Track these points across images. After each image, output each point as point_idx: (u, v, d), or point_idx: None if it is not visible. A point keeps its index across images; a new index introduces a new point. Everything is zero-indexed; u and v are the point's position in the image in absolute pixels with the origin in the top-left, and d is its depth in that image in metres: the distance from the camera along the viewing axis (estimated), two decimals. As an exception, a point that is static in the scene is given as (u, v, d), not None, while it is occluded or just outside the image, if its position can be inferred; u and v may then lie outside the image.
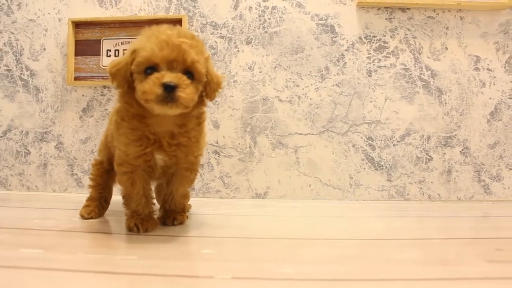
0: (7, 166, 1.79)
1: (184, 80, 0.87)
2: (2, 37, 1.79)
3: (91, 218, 1.18)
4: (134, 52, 0.92)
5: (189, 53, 0.88)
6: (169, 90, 0.85)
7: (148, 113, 0.94)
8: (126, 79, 0.94)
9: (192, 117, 0.99)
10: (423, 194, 1.64)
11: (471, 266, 0.78)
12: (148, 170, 1.03)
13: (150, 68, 0.88)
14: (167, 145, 0.98)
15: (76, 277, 0.68)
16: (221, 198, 1.68)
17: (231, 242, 0.96)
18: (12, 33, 1.79)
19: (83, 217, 1.18)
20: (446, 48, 1.64)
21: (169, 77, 0.86)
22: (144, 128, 0.96)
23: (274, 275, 0.70)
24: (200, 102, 0.99)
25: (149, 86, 0.86)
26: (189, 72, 0.90)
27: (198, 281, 0.67)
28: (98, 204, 1.22)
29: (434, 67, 1.64)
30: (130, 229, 1.01)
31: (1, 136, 1.79)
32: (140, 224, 1.01)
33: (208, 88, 0.97)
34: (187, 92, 0.87)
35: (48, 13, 1.76)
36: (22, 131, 1.78)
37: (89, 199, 1.23)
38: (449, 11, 1.64)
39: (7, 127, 1.79)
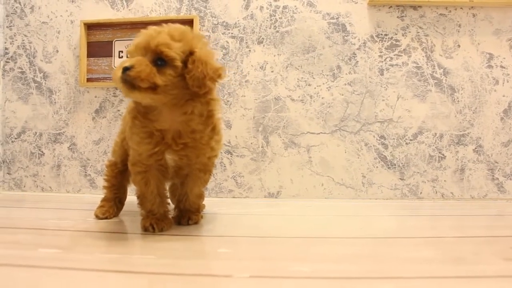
0: (22, 168, 1.81)
1: (142, 61, 0.88)
2: (16, 40, 1.81)
3: (106, 218, 1.19)
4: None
5: (157, 38, 0.90)
6: (124, 71, 0.87)
7: (151, 109, 0.96)
8: None
9: (193, 115, 0.97)
10: (436, 192, 1.63)
11: (488, 264, 0.77)
12: (161, 170, 1.04)
13: None
14: (174, 144, 0.98)
15: (95, 276, 0.69)
16: (234, 197, 1.68)
17: (246, 241, 0.96)
18: (25, 35, 1.80)
19: (98, 217, 1.18)
20: (459, 46, 1.63)
21: (129, 61, 0.89)
22: (150, 124, 0.97)
23: (291, 273, 0.70)
24: (197, 96, 0.95)
25: (114, 72, 0.90)
26: (161, 58, 0.90)
27: (217, 280, 0.67)
28: (112, 205, 1.22)
29: (447, 65, 1.63)
30: (145, 229, 1.01)
31: (16, 138, 1.81)
32: (156, 223, 1.01)
33: (188, 76, 0.91)
34: (137, 70, 0.87)
35: (61, 16, 1.78)
36: (36, 132, 1.80)
37: (104, 199, 1.24)
38: (461, 8, 1.63)
39: (21, 129, 1.81)
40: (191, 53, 0.93)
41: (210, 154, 1.05)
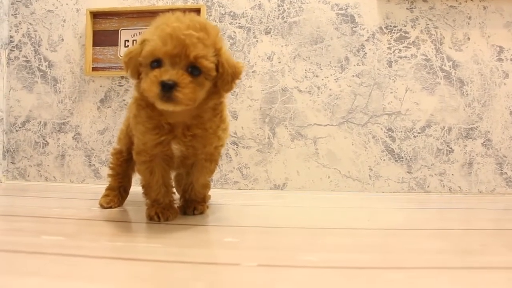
0: (26, 157, 1.80)
1: (184, 78, 0.85)
2: (21, 28, 1.80)
3: (111, 207, 1.18)
4: (143, 42, 0.91)
5: (193, 48, 0.85)
6: (166, 89, 0.83)
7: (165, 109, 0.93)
8: (137, 69, 0.93)
9: (207, 108, 0.97)
10: (444, 186, 1.62)
11: (496, 255, 0.76)
12: (166, 160, 1.03)
13: (155, 62, 0.87)
14: (182, 136, 0.96)
15: (99, 263, 0.68)
16: (239, 189, 1.67)
17: (253, 231, 0.95)
18: (30, 24, 1.79)
19: (102, 206, 1.18)
20: (469, 39, 1.61)
21: (168, 74, 0.84)
22: (159, 117, 0.95)
23: (300, 262, 0.69)
24: (215, 93, 0.96)
25: (148, 85, 0.86)
26: (195, 67, 0.87)
27: (224, 268, 0.66)
28: (117, 194, 1.21)
29: (456, 57, 1.61)
30: (150, 218, 1.00)
31: (20, 127, 1.80)
32: (161, 213, 1.00)
33: (220, 81, 0.93)
34: (185, 91, 0.84)
35: (66, 4, 1.76)
36: (40, 122, 1.79)
37: (109, 188, 1.23)
38: (471, 0, 1.61)
39: (26, 118, 1.80)
40: (218, 54, 0.91)
41: (217, 144, 1.03)
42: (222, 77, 0.92)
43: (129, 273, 0.64)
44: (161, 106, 0.88)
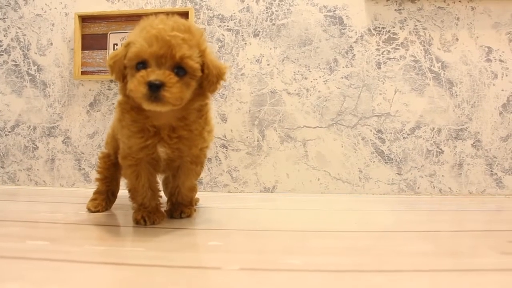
0: (15, 161, 1.79)
1: (171, 78, 0.85)
2: (10, 33, 1.79)
3: (98, 211, 1.17)
4: (127, 45, 0.91)
5: (179, 48, 0.86)
6: (154, 89, 0.84)
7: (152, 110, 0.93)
8: (122, 72, 0.93)
9: (192, 110, 0.97)
10: (434, 187, 1.62)
11: (484, 257, 0.76)
12: (152, 163, 1.03)
13: (141, 64, 0.87)
14: (167, 138, 0.96)
15: (82, 267, 0.67)
16: (229, 192, 1.67)
17: (239, 234, 0.95)
18: (19, 28, 1.78)
19: (90, 210, 1.17)
20: (457, 39, 1.62)
21: (154, 75, 0.84)
22: (144, 120, 0.95)
23: (282, 266, 0.69)
24: (200, 94, 0.96)
25: (135, 85, 0.86)
26: (181, 68, 0.87)
27: (205, 272, 0.66)
28: (105, 198, 1.21)
29: (445, 58, 1.62)
30: (137, 222, 1.00)
31: (9, 131, 1.79)
32: (147, 216, 1.00)
33: (205, 82, 0.93)
34: (173, 91, 0.85)
35: (55, 8, 1.76)
36: (29, 126, 1.78)
37: (96, 192, 1.23)
38: (459, 1, 1.61)
39: (15, 122, 1.79)
40: (202, 55, 0.92)
41: (202, 145, 1.03)
42: (208, 78, 0.93)
43: (110, 277, 0.64)
44: (148, 106, 0.87)
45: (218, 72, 0.95)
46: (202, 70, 0.92)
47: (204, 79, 0.93)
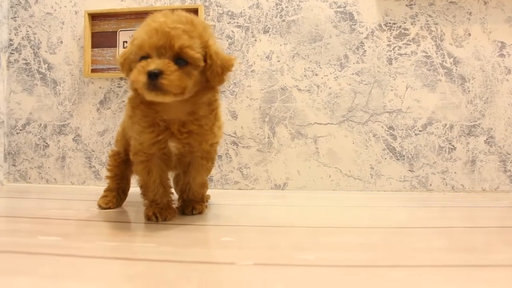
0: (27, 159, 1.80)
1: (170, 66, 0.86)
2: (20, 31, 1.79)
3: (109, 208, 1.17)
4: (133, 41, 0.93)
5: (178, 39, 0.86)
6: (153, 78, 0.85)
7: (155, 101, 0.93)
8: (131, 67, 0.94)
9: (202, 104, 0.98)
10: (446, 184, 1.60)
11: (499, 253, 0.75)
12: (163, 159, 1.03)
13: (144, 56, 0.88)
14: (178, 133, 0.97)
15: (93, 262, 0.67)
16: (239, 189, 1.66)
17: (251, 230, 0.94)
18: (29, 27, 1.79)
19: (101, 207, 1.17)
20: (469, 34, 1.60)
21: (154, 64, 0.85)
22: (154, 115, 0.96)
23: (296, 261, 0.68)
24: (208, 87, 0.96)
25: (135, 75, 0.87)
26: (181, 58, 0.88)
27: (218, 267, 0.65)
28: (116, 195, 1.21)
29: (457, 54, 1.60)
30: (148, 218, 1.00)
31: (21, 130, 1.80)
32: (159, 213, 1.00)
33: (209, 72, 0.93)
34: (171, 78, 0.85)
35: (65, 6, 1.76)
36: (40, 124, 1.78)
37: (107, 189, 1.23)
38: (472, -4, 1.59)
39: (26, 121, 1.79)
40: (205, 46, 0.92)
41: (212, 141, 1.03)
42: (211, 68, 0.93)
43: (121, 272, 0.63)
44: (149, 96, 0.88)
45: (223, 63, 0.94)
46: (206, 61, 0.92)
47: (208, 70, 0.93)
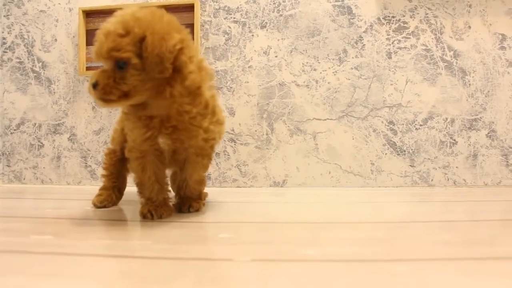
0: (21, 160, 1.77)
1: (101, 75, 0.87)
2: (14, 29, 1.77)
3: (104, 207, 1.15)
4: None
5: (105, 44, 0.85)
6: (96, 88, 0.86)
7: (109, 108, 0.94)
8: None
9: (175, 97, 0.90)
10: (448, 179, 1.58)
11: (504, 246, 0.73)
12: (157, 155, 1.00)
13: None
14: (163, 128, 0.94)
15: (86, 260, 0.65)
16: (238, 187, 1.64)
17: (250, 226, 0.92)
18: (23, 24, 1.76)
19: (95, 205, 1.15)
20: (469, 27, 1.57)
21: (94, 76, 0.87)
22: (142, 111, 0.94)
23: (296, 256, 0.66)
24: (167, 80, 0.89)
25: (88, 87, 0.90)
26: (120, 61, 0.86)
27: (215, 264, 0.63)
28: (111, 193, 1.19)
29: (457, 47, 1.58)
30: (144, 216, 0.98)
31: (15, 129, 1.77)
32: (154, 210, 0.98)
33: (146, 65, 0.85)
34: (104, 88, 0.86)
35: (59, 3, 1.74)
36: (35, 123, 1.76)
37: (102, 188, 1.21)
38: (472, -12, 1.57)
39: (20, 120, 1.77)
40: (140, 41, 0.85)
41: (205, 136, 0.99)
42: (148, 61, 0.85)
43: (116, 270, 0.61)
44: (100, 105, 0.92)
45: (159, 50, 0.85)
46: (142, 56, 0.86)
47: (145, 63, 0.86)
